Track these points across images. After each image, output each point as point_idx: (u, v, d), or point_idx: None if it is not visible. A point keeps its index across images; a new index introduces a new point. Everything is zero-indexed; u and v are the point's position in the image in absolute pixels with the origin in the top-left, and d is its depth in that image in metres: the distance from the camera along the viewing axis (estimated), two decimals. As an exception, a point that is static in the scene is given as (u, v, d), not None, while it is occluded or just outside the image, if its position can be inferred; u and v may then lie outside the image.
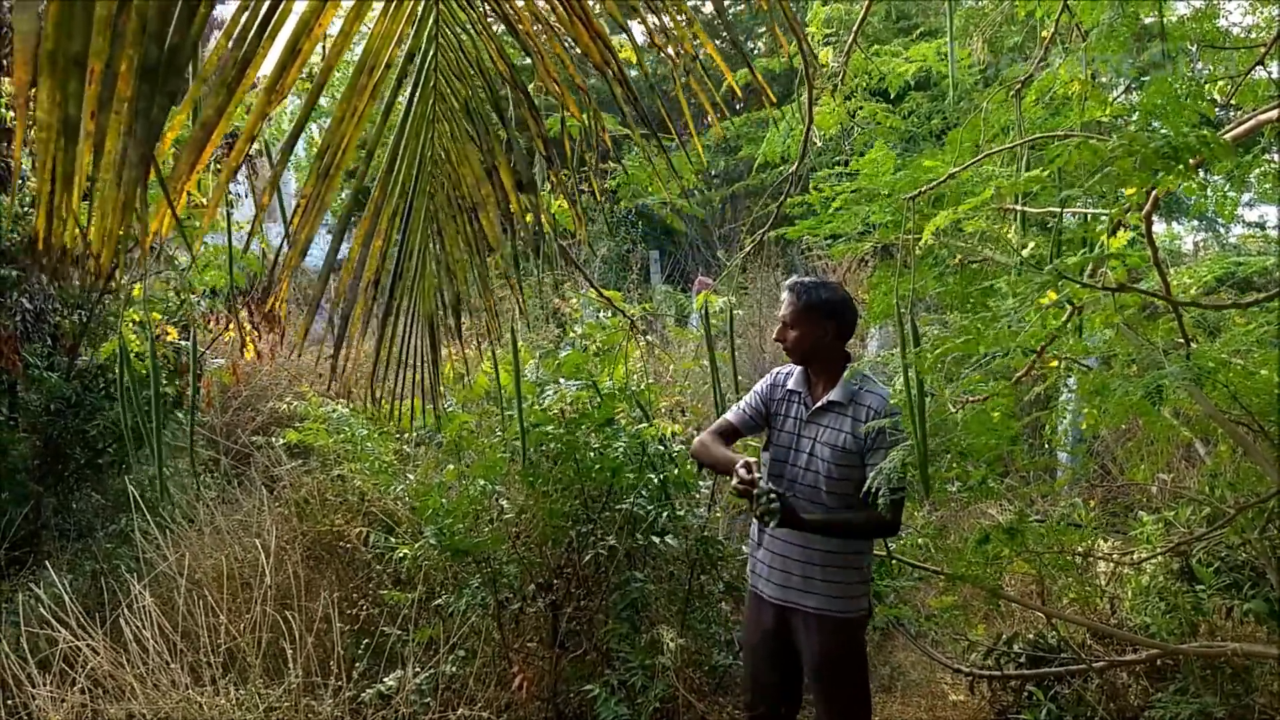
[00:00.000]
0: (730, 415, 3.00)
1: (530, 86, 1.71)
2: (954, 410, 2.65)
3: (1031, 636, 3.67)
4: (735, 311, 4.22)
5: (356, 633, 3.57)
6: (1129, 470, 4.17)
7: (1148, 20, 2.84)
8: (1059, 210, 2.56)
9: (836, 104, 3.45)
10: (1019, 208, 2.70)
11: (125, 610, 3.18)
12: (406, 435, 4.27)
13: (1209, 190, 2.26)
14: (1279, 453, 2.73)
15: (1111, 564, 3.91)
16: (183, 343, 4.67)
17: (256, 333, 4.16)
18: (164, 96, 0.81)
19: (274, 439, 4.56)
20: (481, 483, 3.52)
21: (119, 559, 4.31)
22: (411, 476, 3.96)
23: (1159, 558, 3.70)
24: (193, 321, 4.33)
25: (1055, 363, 2.79)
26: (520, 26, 1.43)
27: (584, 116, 1.71)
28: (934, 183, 2.52)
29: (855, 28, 3.18)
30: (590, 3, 1.44)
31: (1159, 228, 3.01)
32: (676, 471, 3.65)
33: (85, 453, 4.99)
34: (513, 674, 3.38)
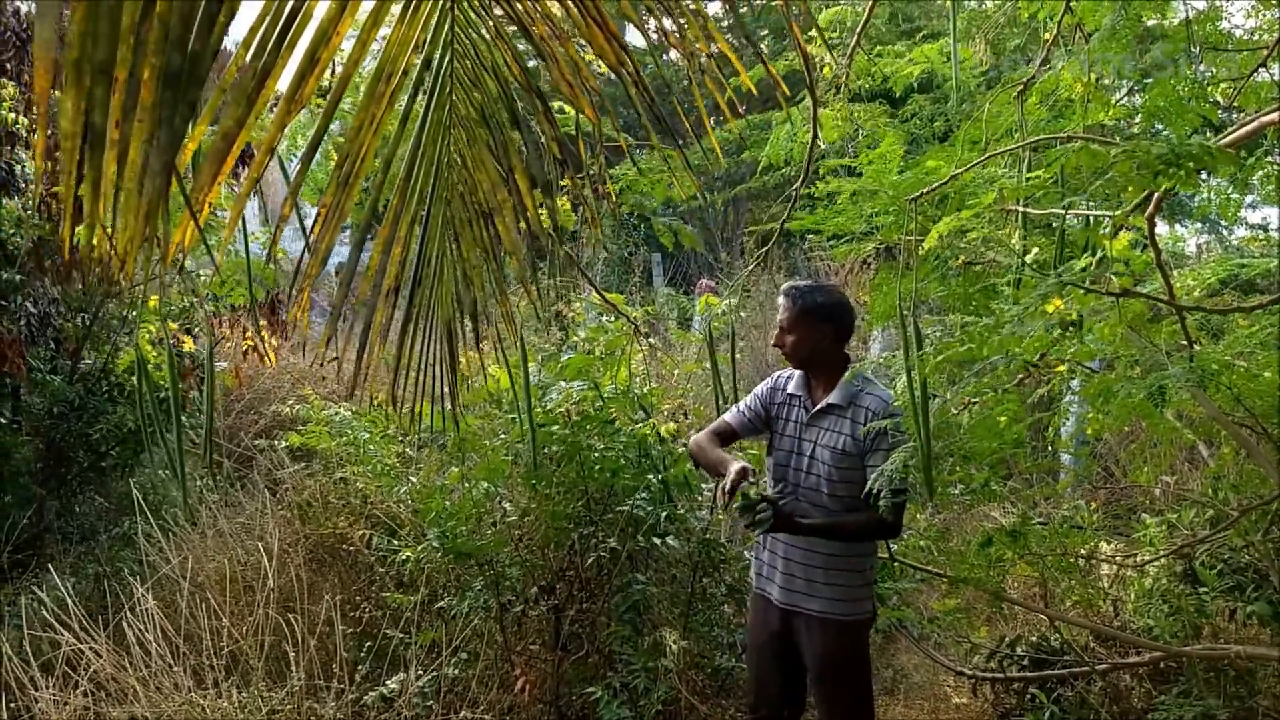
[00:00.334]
0: (729, 416, 3.00)
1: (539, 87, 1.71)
2: (955, 412, 2.66)
3: (1034, 639, 3.67)
4: (738, 314, 4.22)
5: (359, 635, 3.57)
6: (1132, 472, 4.16)
7: (1150, 23, 2.84)
8: (1063, 212, 2.56)
9: (839, 107, 3.45)
10: (1021, 209, 2.70)
11: (128, 613, 3.19)
12: (409, 438, 4.27)
13: (1212, 193, 2.26)
14: (1282, 455, 2.73)
15: (1114, 566, 3.91)
16: (189, 349, 4.68)
17: (263, 341, 4.17)
18: (185, 105, 0.82)
19: (277, 442, 4.57)
20: (484, 485, 3.52)
21: (122, 562, 4.32)
22: (414, 479, 3.96)
23: (1162, 560, 3.70)
24: (205, 328, 4.34)
25: (1062, 367, 2.79)
26: (534, 29, 1.43)
27: (599, 119, 1.71)
28: (937, 184, 2.53)
29: (859, 29, 3.19)
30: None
31: (1162, 229, 3.01)
32: (676, 472, 3.65)
33: (88, 456, 4.99)
34: (515, 676, 3.38)
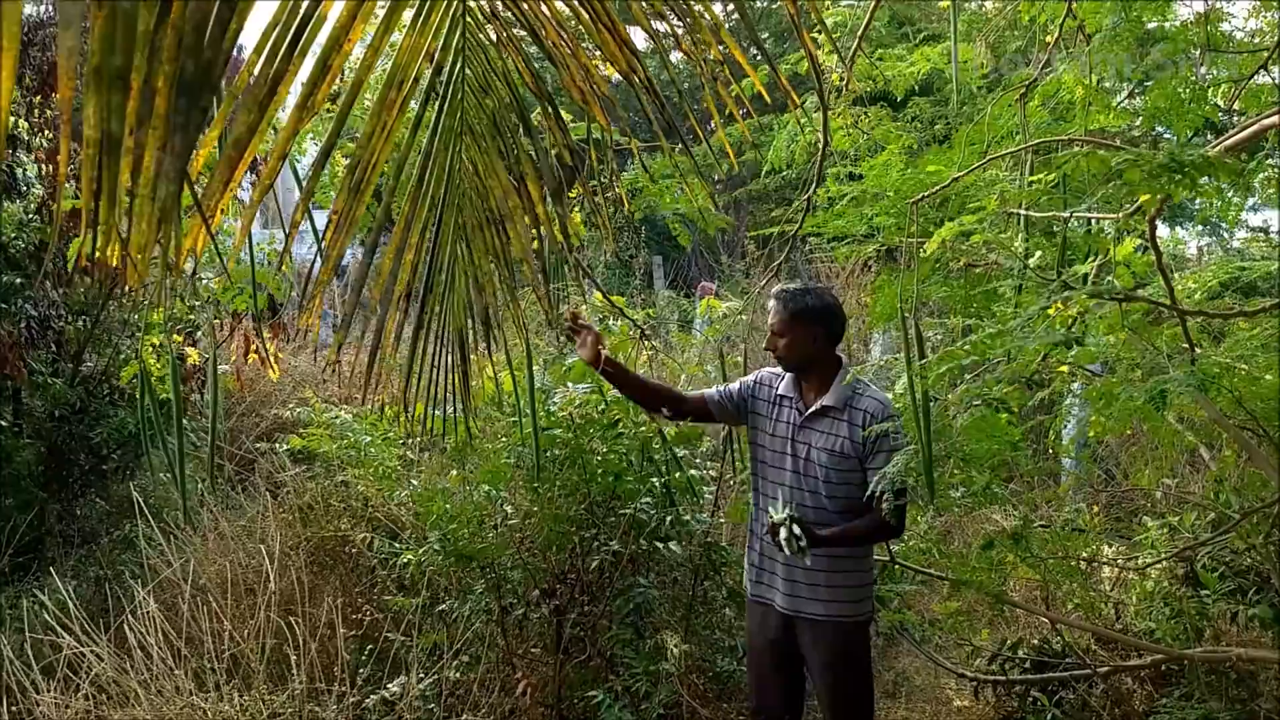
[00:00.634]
0: (709, 390, 3.05)
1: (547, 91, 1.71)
2: (953, 415, 2.65)
3: (1036, 642, 3.67)
4: (740, 316, 4.22)
5: (360, 638, 3.57)
6: (1133, 475, 4.17)
7: (1151, 25, 2.84)
8: (1065, 215, 2.57)
9: (842, 110, 3.46)
10: (1023, 211, 2.70)
11: (129, 616, 3.18)
12: (410, 441, 4.27)
13: (1215, 199, 2.27)
14: (1284, 458, 2.73)
15: (1116, 569, 3.91)
16: (193, 360, 4.68)
17: (265, 348, 4.16)
18: (198, 111, 0.82)
19: (278, 445, 4.56)
20: (486, 488, 3.52)
21: (123, 565, 4.31)
22: (416, 482, 3.96)
23: (1164, 563, 3.70)
24: (209, 333, 4.33)
25: (1063, 368, 2.80)
26: (544, 34, 1.43)
27: (609, 125, 1.71)
28: (938, 187, 2.53)
29: (860, 32, 3.19)
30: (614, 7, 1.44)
31: (1163, 232, 3.02)
32: (680, 478, 3.66)
33: (89, 459, 4.99)
34: (516, 680, 3.37)
